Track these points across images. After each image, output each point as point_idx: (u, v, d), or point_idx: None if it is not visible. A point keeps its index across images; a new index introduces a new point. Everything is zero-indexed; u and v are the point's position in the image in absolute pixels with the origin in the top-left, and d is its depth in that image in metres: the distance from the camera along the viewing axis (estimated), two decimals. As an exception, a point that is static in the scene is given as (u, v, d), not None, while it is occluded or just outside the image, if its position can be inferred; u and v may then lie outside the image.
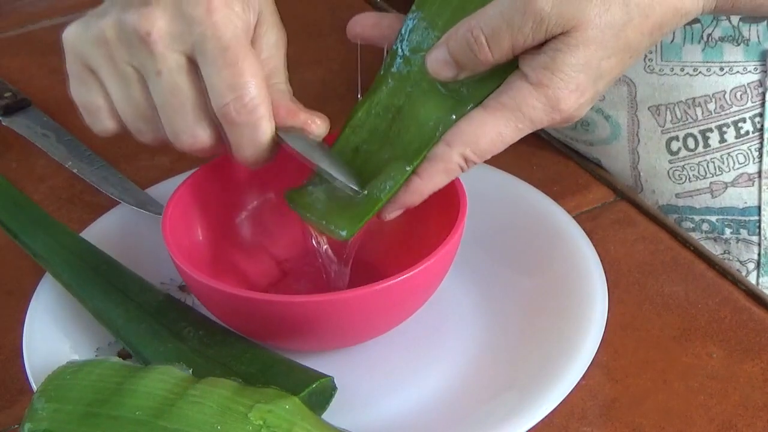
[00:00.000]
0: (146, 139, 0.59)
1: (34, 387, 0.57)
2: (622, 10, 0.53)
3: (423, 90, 0.58)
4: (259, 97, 0.55)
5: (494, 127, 0.55)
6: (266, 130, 0.56)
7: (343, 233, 0.58)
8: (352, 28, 0.60)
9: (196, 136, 0.57)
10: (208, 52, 0.55)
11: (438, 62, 0.56)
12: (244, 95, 0.55)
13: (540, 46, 0.53)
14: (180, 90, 0.56)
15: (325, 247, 0.61)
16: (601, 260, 0.64)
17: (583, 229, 0.66)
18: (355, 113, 0.60)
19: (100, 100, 0.58)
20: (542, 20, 0.52)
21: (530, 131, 0.55)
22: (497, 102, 0.55)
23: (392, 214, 0.58)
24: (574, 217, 0.67)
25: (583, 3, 0.52)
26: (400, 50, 0.59)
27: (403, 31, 0.59)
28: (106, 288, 0.62)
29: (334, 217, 0.58)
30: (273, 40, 0.59)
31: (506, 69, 0.55)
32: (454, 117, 0.56)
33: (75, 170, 0.76)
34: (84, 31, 0.57)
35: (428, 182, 0.56)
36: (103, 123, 0.59)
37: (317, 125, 0.58)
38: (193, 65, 0.56)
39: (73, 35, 0.58)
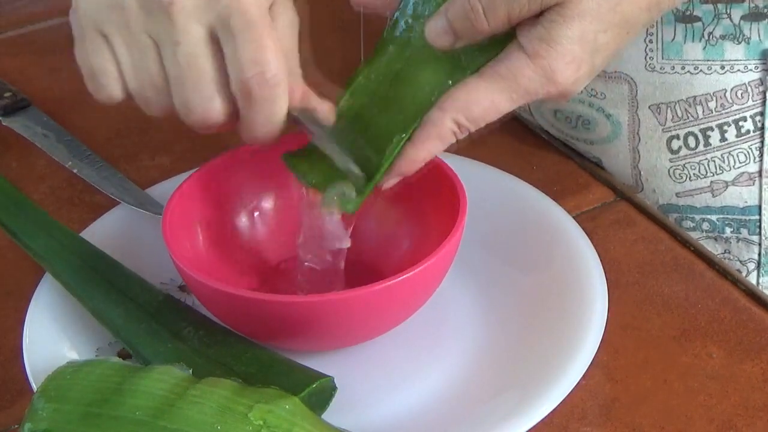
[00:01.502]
0: (153, 110, 0.58)
1: (34, 387, 0.57)
2: None
3: (423, 57, 0.57)
4: (281, 74, 0.55)
5: (488, 95, 0.55)
6: (283, 107, 0.56)
7: (349, 208, 0.58)
8: None
9: (209, 109, 0.56)
10: (232, 25, 0.54)
11: (436, 30, 0.56)
12: (267, 70, 0.54)
13: (537, 17, 0.53)
14: (198, 62, 0.55)
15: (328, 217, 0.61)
16: (601, 260, 0.64)
17: (583, 229, 0.66)
18: (356, 78, 0.59)
19: (110, 66, 0.57)
20: None
21: (524, 102, 0.55)
22: (493, 71, 0.55)
23: (388, 183, 0.58)
24: (574, 217, 0.67)
25: None
26: (402, 16, 0.58)
27: None
28: (106, 288, 0.62)
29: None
30: (288, 20, 0.59)
31: (507, 38, 0.55)
32: (450, 83, 0.56)
33: (75, 170, 0.76)
34: None
35: (421, 148, 0.56)
36: (109, 89, 0.58)
37: (326, 112, 0.58)
38: (212, 38, 0.55)
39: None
